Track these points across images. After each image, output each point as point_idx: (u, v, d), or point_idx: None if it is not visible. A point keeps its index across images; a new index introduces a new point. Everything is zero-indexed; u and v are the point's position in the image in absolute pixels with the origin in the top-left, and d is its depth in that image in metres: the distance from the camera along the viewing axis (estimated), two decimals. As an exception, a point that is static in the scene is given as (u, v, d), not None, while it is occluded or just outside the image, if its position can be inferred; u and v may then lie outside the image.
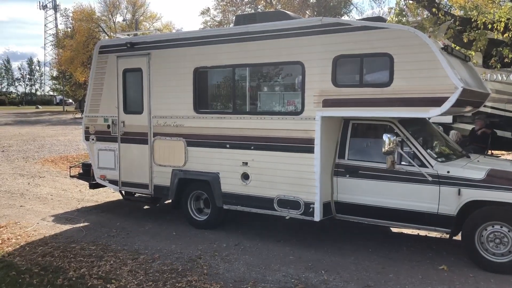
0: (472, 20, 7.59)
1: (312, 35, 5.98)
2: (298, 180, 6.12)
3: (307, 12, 34.35)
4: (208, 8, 53.61)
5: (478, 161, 6.14)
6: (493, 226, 5.28)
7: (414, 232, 6.85)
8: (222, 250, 6.25)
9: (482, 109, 8.23)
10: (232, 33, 6.70)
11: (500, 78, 10.97)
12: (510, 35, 7.35)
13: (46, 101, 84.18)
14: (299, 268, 5.55)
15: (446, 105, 5.19)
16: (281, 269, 5.53)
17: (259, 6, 35.87)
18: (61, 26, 73.15)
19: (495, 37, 7.85)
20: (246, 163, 6.55)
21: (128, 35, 8.96)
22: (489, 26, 7.48)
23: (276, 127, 6.29)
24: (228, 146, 6.70)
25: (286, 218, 6.42)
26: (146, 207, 8.78)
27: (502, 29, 7.34)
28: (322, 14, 31.98)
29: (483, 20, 7.39)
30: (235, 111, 6.71)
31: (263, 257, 5.95)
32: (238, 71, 6.72)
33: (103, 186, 8.46)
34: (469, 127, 11.45)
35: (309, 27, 6.02)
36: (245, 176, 6.58)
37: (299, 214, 6.19)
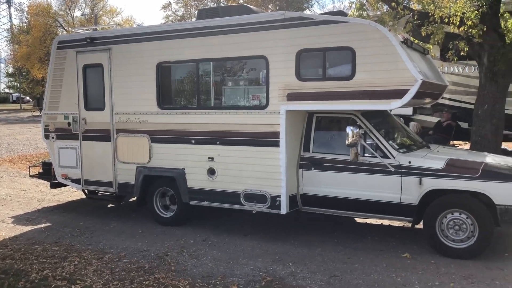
0: (430, 14, 7.77)
1: (275, 29, 6.00)
2: (264, 174, 6.15)
3: (270, 7, 34.48)
4: (170, 2, 53.11)
5: (437, 151, 6.33)
6: (452, 214, 5.46)
7: (378, 221, 7.02)
8: (189, 246, 6.21)
9: (440, 100, 8.49)
10: (194, 28, 6.64)
11: (457, 70, 11.35)
12: (465, 29, 7.57)
13: (2, 99, 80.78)
14: (266, 261, 5.59)
15: (407, 97, 5.33)
16: (249, 263, 5.55)
17: (221, 0, 35.71)
18: (16, 21, 70.62)
19: (452, 31, 8.08)
20: (212, 159, 6.52)
21: (88, 30, 8.73)
22: (446, 20, 7.67)
23: (241, 121, 6.29)
24: (193, 141, 6.65)
25: (253, 212, 6.44)
26: (110, 205, 8.62)
27: (458, 23, 7.55)
28: (285, 9, 32.13)
29: (440, 14, 7.58)
30: (200, 106, 6.67)
31: (230, 252, 5.96)
32: (202, 66, 6.67)
33: (65, 185, 8.26)
34: (429, 118, 11.82)
35: (272, 21, 6.04)
36: (211, 172, 6.56)
37: (265, 208, 6.23)
